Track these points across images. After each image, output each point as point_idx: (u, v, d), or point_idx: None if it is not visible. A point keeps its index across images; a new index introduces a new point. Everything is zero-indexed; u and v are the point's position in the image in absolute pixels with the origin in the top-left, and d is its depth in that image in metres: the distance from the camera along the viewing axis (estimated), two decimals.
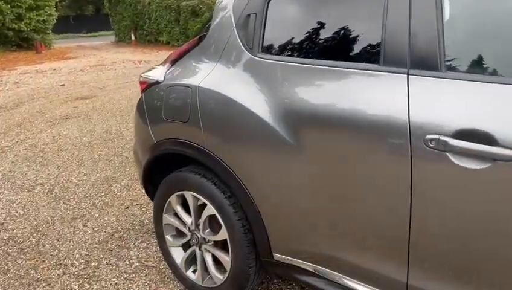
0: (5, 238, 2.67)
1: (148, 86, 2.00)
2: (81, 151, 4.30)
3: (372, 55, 1.35)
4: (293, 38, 1.59)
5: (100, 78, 9.21)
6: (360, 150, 1.32)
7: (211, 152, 1.70)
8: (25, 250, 2.53)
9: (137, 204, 3.07)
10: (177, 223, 2.00)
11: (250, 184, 1.62)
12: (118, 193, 3.26)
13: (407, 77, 1.24)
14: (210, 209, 1.80)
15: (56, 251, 2.50)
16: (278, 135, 1.48)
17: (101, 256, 2.43)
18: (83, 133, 4.98)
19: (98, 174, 3.66)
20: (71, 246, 2.55)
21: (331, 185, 1.41)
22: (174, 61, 1.97)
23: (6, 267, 2.37)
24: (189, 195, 1.88)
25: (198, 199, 1.85)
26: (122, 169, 3.76)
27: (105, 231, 2.70)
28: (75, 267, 2.33)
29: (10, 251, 2.53)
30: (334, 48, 1.47)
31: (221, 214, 1.76)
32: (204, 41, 1.84)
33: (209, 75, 1.73)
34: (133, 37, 18.91)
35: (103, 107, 6.34)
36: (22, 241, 2.63)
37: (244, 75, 1.64)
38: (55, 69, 11.08)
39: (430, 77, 1.21)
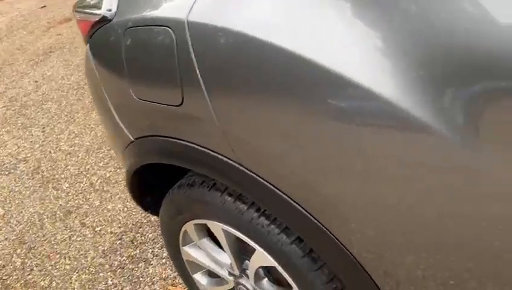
0: None
1: (93, 28, 1.00)
2: (69, 99, 3.39)
3: None
4: None
5: None
6: None
7: (243, 166, 0.77)
8: (7, 282, 1.81)
9: None
10: (205, 262, 1.15)
11: (336, 220, 0.71)
12: None
13: None
14: (264, 258, 0.93)
15: (48, 279, 1.76)
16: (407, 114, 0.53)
17: (109, 282, 1.67)
18: (69, 70, 4.00)
19: (92, 132, 2.79)
20: (67, 267, 1.80)
21: None
22: None
23: None
24: (217, 228, 1.00)
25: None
26: None
27: (111, 232, 1.92)
28: None
29: None
30: None
31: (288, 271, 0.89)
32: None
33: None
34: None
35: None
36: (3, 266, 1.90)
37: None
38: None
39: None
